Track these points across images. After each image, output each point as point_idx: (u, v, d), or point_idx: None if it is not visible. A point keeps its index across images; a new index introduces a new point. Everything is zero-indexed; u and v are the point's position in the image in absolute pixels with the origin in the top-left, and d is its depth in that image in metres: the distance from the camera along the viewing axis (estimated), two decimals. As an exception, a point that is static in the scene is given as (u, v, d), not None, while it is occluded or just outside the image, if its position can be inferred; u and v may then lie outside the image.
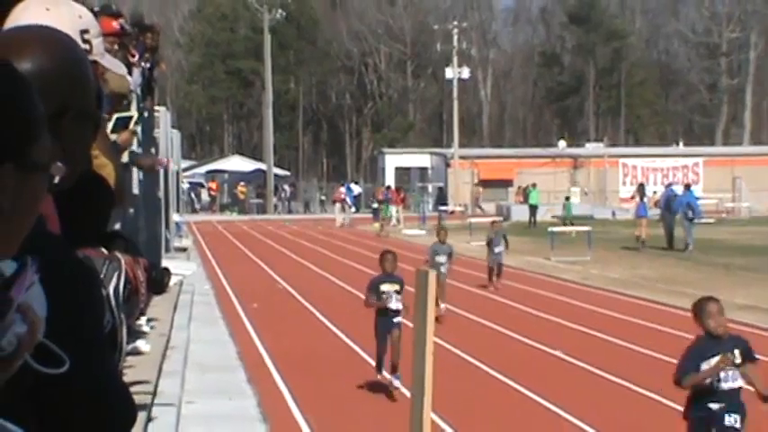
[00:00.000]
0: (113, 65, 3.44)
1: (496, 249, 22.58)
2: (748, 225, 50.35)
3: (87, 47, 2.97)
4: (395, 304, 11.48)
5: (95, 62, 3.05)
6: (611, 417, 11.92)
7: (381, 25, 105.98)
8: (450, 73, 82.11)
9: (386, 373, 11.98)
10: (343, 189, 69.19)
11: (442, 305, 17.98)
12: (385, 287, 11.62)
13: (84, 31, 3.02)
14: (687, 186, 43.39)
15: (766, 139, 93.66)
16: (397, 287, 11.59)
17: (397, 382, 11.51)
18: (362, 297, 21.65)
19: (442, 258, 18.90)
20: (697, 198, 43.01)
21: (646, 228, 39.44)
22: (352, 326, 18.77)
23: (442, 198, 68.51)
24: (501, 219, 30.14)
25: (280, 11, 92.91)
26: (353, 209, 65.77)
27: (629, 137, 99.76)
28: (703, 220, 50.02)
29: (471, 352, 16.30)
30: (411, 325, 6.12)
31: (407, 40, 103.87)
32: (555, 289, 27.16)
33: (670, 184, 45.47)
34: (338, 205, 61.69)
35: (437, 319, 15.76)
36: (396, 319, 11.55)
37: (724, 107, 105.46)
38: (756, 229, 46.00)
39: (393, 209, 60.24)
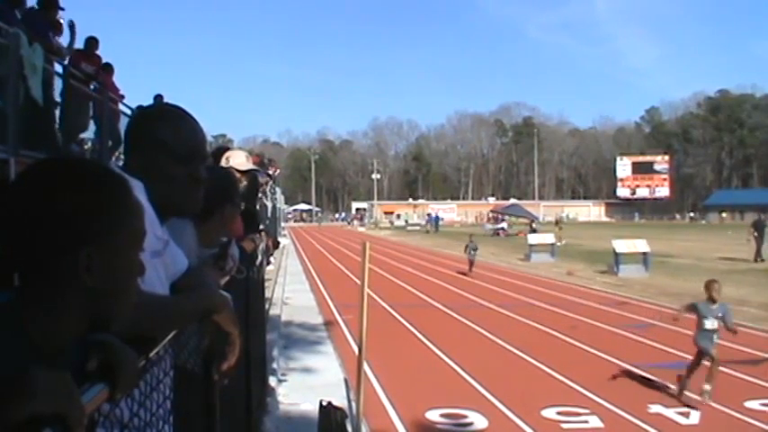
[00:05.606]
0: (252, 167, 3.39)
1: (472, 252, 17.28)
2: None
3: (251, 163, 3.15)
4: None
5: (255, 170, 3.18)
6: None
7: (350, 158, 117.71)
8: (374, 176, 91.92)
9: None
10: (338, 215, 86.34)
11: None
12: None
13: (246, 156, 3.27)
14: (437, 214, 51.29)
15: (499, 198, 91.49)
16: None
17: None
18: (339, 248, 23.38)
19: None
20: (439, 218, 46.53)
21: (430, 227, 41.29)
22: (341, 259, 20.95)
23: (363, 219, 71.67)
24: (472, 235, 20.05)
25: (317, 156, 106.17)
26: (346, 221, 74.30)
27: (434, 200, 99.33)
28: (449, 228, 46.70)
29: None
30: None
31: (360, 164, 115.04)
32: (407, 248, 27.87)
33: (437, 214, 51.93)
34: (337, 222, 73.76)
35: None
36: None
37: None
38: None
39: (356, 222, 69.71)
